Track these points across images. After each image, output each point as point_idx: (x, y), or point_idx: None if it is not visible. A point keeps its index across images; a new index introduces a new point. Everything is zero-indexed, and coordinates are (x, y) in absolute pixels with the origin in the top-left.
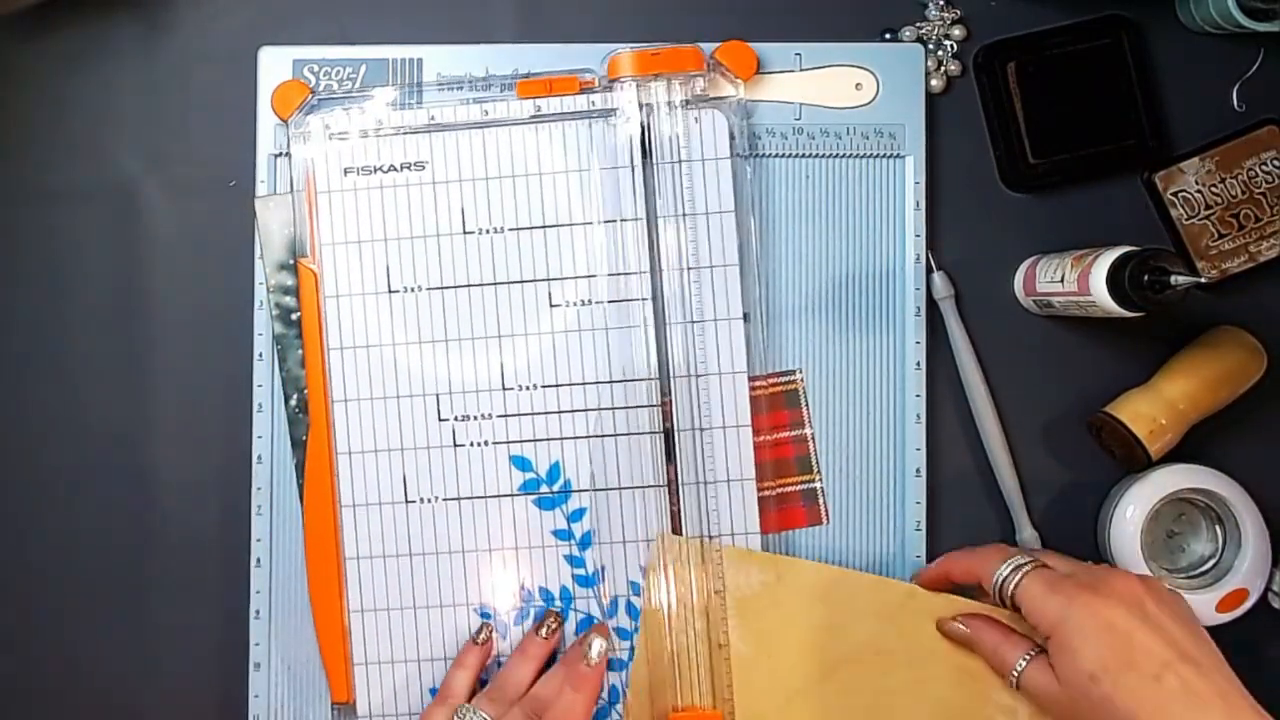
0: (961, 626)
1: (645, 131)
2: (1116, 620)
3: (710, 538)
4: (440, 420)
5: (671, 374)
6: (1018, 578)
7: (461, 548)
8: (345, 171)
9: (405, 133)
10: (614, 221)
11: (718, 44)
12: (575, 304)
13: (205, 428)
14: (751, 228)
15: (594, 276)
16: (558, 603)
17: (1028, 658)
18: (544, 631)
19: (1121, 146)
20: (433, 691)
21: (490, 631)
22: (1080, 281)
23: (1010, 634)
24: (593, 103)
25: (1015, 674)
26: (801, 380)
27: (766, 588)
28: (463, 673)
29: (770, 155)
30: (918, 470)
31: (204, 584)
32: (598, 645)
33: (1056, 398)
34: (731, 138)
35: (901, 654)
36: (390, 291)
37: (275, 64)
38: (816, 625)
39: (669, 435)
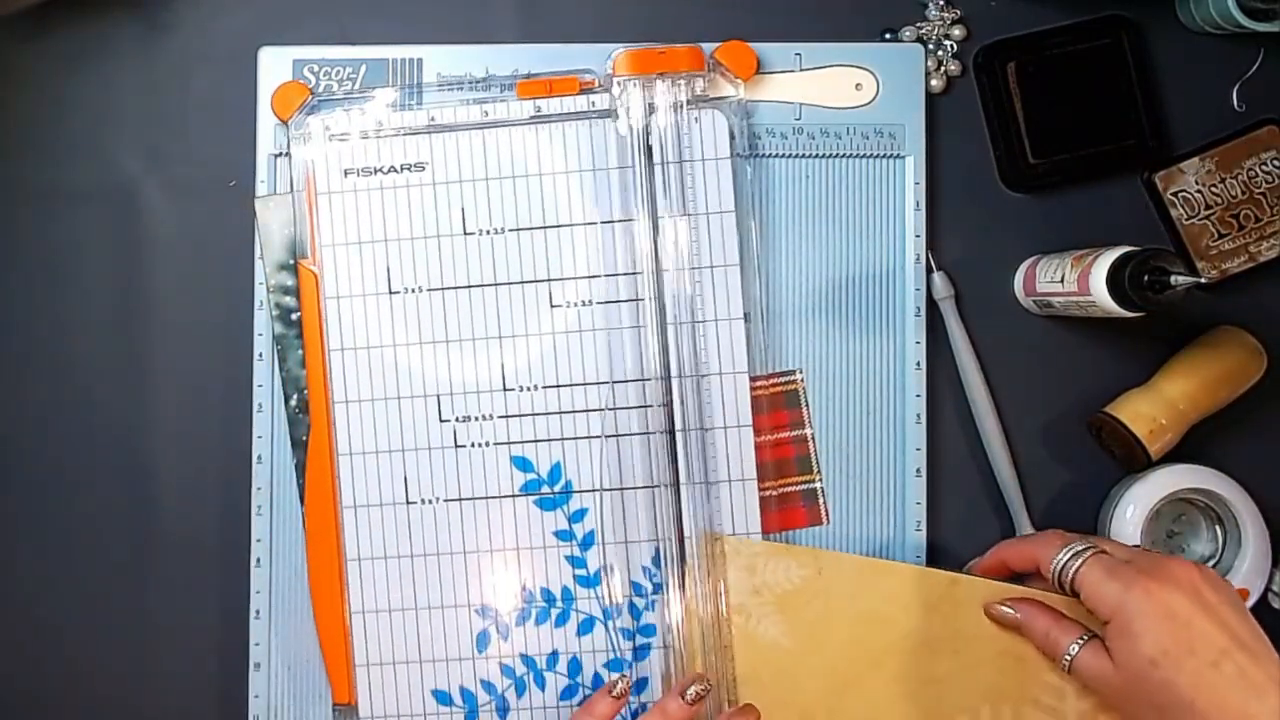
0: (1011, 611)
1: (646, 131)
2: (1177, 606)
3: (714, 537)
4: (441, 421)
5: (672, 374)
6: (1077, 564)
7: (463, 549)
8: (345, 173)
9: (405, 134)
10: (614, 222)
11: (718, 44)
12: (576, 304)
13: (205, 428)
14: (752, 228)
15: (595, 277)
16: (559, 604)
17: (1080, 642)
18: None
19: (1121, 146)
20: (435, 694)
21: (627, 684)
22: (1080, 281)
23: (1061, 618)
24: (593, 103)
25: (1068, 658)
26: (801, 380)
27: (807, 582)
28: None
29: (770, 155)
30: (918, 470)
31: (204, 584)
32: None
33: (1056, 398)
34: (732, 138)
35: (947, 641)
36: (391, 292)
37: (275, 64)
38: (861, 617)
39: (670, 435)
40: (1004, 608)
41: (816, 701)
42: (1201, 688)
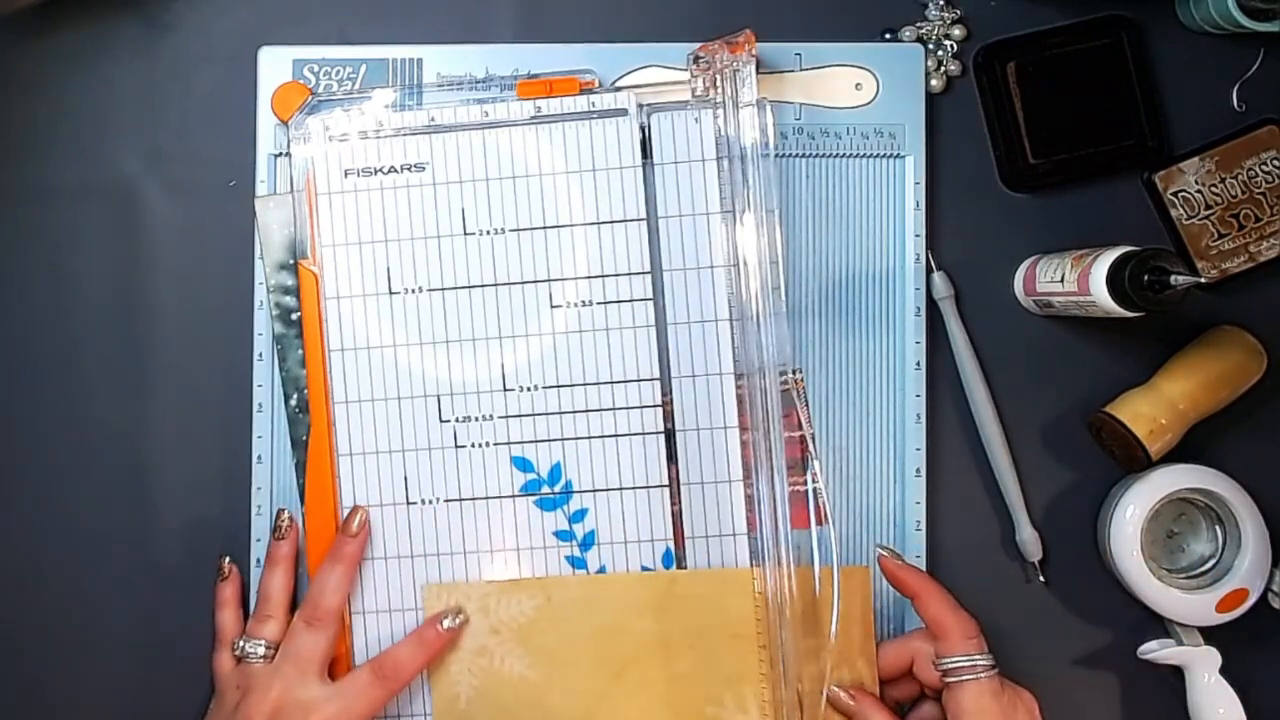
0: (849, 700)
1: (645, 131)
2: None
3: (710, 537)
4: (441, 421)
5: (672, 374)
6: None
7: (463, 549)
8: (345, 173)
9: (405, 134)
10: (614, 222)
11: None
12: (576, 304)
13: (205, 428)
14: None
15: (594, 277)
16: None
17: None
18: (279, 534)
19: (1121, 146)
20: None
21: (229, 561)
22: (1080, 281)
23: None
24: (593, 103)
25: None
26: (801, 380)
27: (540, 611)
28: (225, 611)
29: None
30: (918, 470)
31: (204, 584)
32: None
33: (1056, 398)
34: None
35: (681, 638)
36: (391, 293)
37: (275, 64)
38: (597, 634)
39: (670, 436)
40: (843, 695)
41: None
42: None
